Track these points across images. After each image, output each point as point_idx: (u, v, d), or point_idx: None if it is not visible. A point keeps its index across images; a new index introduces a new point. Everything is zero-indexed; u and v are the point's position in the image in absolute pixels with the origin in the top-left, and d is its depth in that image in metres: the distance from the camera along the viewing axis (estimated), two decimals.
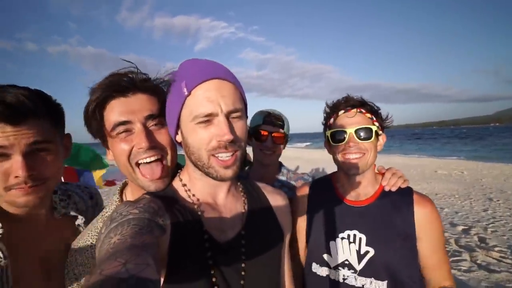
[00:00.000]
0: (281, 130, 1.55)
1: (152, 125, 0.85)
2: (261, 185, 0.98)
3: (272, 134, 1.54)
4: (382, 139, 1.21)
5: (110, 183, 4.99)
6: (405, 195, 1.16)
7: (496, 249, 4.56)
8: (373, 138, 1.14)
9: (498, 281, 3.66)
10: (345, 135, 1.15)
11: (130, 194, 0.96)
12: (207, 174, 0.76)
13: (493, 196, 8.38)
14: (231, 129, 0.71)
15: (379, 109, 1.21)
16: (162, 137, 0.85)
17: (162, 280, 0.72)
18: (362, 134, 1.13)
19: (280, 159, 1.69)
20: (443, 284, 1.10)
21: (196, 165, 0.77)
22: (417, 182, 10.75)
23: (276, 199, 0.95)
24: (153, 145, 0.83)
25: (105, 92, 0.81)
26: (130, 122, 0.82)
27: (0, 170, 0.76)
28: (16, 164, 0.76)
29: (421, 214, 1.10)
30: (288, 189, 1.56)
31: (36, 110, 0.79)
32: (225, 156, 0.73)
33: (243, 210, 0.86)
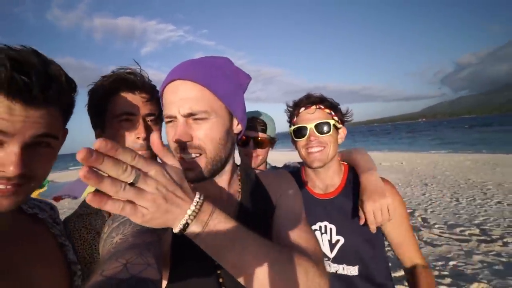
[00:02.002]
0: (262, 134, 1.55)
1: (149, 121, 0.99)
2: (259, 173, 0.96)
3: (254, 139, 1.54)
4: (343, 132, 1.27)
5: (58, 198, 4.43)
6: None
7: (436, 226, 5.26)
8: (331, 132, 1.20)
9: (441, 253, 4.21)
10: (306, 131, 1.22)
11: None
12: None
13: (427, 181, 9.63)
14: (185, 132, 0.70)
15: (339, 105, 1.28)
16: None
17: (166, 279, 0.69)
18: (321, 128, 1.20)
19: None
20: (415, 261, 1.23)
21: None
22: None
23: (270, 178, 0.93)
24: (148, 138, 0.94)
25: (115, 83, 0.95)
26: (134, 114, 0.96)
27: None
28: (10, 158, 0.60)
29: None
30: None
31: (61, 97, 0.66)
32: (186, 157, 0.73)
33: (238, 199, 0.85)
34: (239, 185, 0.88)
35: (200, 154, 0.73)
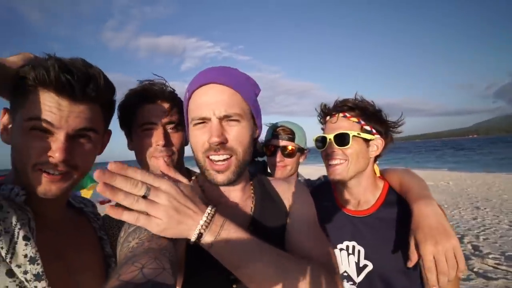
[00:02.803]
0: (289, 143, 1.52)
1: (169, 128, 1.08)
2: (271, 179, 0.96)
3: (281, 148, 1.52)
4: (377, 143, 1.10)
5: (103, 202, 4.75)
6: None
7: (491, 256, 4.63)
8: (351, 144, 1.07)
9: None
10: (325, 142, 1.13)
11: None
12: (205, 176, 0.79)
13: (480, 204, 8.61)
14: (221, 133, 0.72)
15: (379, 112, 1.12)
16: (174, 140, 1.08)
17: (179, 285, 0.70)
18: (339, 140, 1.09)
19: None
20: None
21: (198, 168, 0.81)
22: None
23: (283, 187, 0.92)
24: (168, 144, 1.05)
25: (138, 97, 1.06)
26: (154, 123, 1.05)
27: (38, 145, 0.70)
28: (57, 146, 0.70)
29: None
30: None
31: (100, 94, 0.77)
32: (217, 158, 0.74)
33: (251, 207, 0.85)
34: (251, 192, 0.89)
35: (231, 156, 0.75)
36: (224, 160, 0.74)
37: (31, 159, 0.71)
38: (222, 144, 0.73)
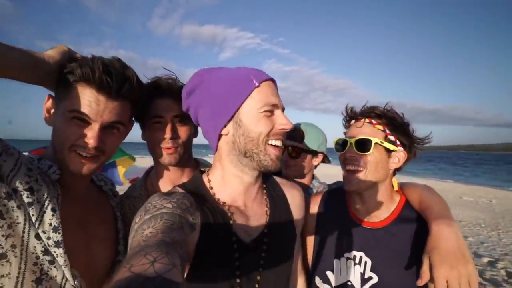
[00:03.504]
0: (294, 144, 1.50)
1: (177, 122, 1.14)
2: (279, 180, 1.01)
3: (288, 148, 1.50)
4: (399, 156, 1.05)
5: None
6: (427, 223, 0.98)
7: None
8: (371, 151, 1.03)
9: None
10: (346, 145, 1.09)
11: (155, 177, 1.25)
12: (259, 161, 0.81)
13: None
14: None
15: (407, 125, 1.08)
16: (182, 133, 1.15)
17: (187, 277, 0.74)
18: (360, 145, 1.04)
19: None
20: None
21: (247, 154, 0.81)
22: None
23: (293, 195, 0.99)
24: (175, 136, 1.13)
25: (148, 91, 1.10)
26: (162, 116, 1.12)
27: (77, 132, 0.84)
28: (92, 134, 0.84)
29: None
30: None
31: (131, 93, 0.90)
32: (278, 143, 0.83)
33: (266, 209, 0.89)
34: (265, 194, 0.94)
35: (282, 145, 0.86)
36: (280, 146, 0.85)
37: (69, 141, 0.84)
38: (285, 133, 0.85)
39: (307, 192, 1.48)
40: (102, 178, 1.15)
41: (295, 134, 1.50)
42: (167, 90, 1.13)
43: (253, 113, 0.81)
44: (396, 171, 1.12)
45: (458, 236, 0.88)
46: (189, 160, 1.25)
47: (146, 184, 1.24)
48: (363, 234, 1.10)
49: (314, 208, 1.23)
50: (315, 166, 1.62)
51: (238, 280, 0.75)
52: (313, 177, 1.64)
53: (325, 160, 1.63)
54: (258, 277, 0.79)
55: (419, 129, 1.10)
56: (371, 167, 1.04)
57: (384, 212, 1.09)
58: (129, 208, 1.15)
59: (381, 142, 1.04)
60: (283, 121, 0.82)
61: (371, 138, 1.04)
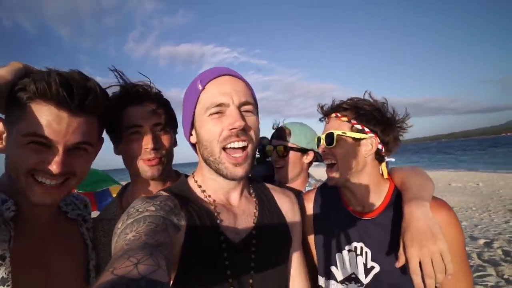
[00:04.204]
0: (281, 142, 1.50)
1: (158, 130, 1.04)
2: (270, 186, 0.99)
3: (276, 147, 1.51)
4: (372, 143, 1.03)
5: None
6: None
7: None
8: (335, 144, 1.04)
9: None
10: (320, 142, 1.12)
11: (132, 193, 1.13)
12: (217, 171, 0.77)
13: None
14: (242, 118, 0.74)
15: (375, 110, 1.05)
16: (164, 142, 1.05)
17: (173, 279, 0.71)
18: (327, 140, 1.07)
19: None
20: None
21: (208, 163, 0.78)
22: None
23: (284, 201, 0.95)
24: (158, 146, 1.02)
25: (121, 99, 1.01)
26: (142, 126, 1.01)
27: (36, 158, 0.72)
28: (55, 159, 0.73)
29: (442, 225, 0.93)
30: None
31: (97, 106, 0.79)
32: (237, 145, 0.74)
33: (255, 211, 0.86)
34: (253, 196, 0.91)
35: (247, 145, 0.76)
36: (242, 148, 0.75)
37: (27, 170, 0.72)
38: (243, 130, 0.74)
39: (299, 196, 1.50)
40: (71, 201, 0.99)
41: (281, 133, 1.51)
42: (145, 96, 1.03)
43: (201, 118, 0.77)
44: (381, 158, 1.10)
45: (427, 215, 0.89)
46: (170, 172, 1.14)
47: (121, 203, 1.12)
48: (359, 224, 1.10)
49: (309, 206, 1.22)
50: (309, 165, 1.61)
51: (230, 280, 0.73)
52: (308, 175, 1.63)
53: (318, 158, 1.61)
54: (251, 280, 0.77)
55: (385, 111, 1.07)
56: (341, 159, 1.06)
57: (376, 200, 1.09)
58: (103, 231, 1.03)
59: (343, 133, 1.05)
60: (231, 120, 0.72)
61: (334, 131, 1.06)
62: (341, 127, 1.07)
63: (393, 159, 1.15)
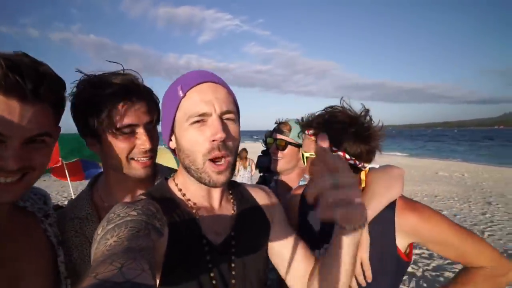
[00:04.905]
0: (281, 136, 1.61)
1: (150, 129, 0.97)
2: (246, 185, 1.00)
3: (275, 140, 1.63)
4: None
5: None
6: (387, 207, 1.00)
7: None
8: (306, 163, 1.13)
9: None
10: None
11: (106, 186, 1.05)
12: (199, 179, 0.76)
13: (492, 200, 8.40)
14: (224, 128, 0.73)
15: (340, 126, 1.01)
16: (154, 140, 0.98)
17: (157, 284, 0.71)
18: (302, 157, 1.17)
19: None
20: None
21: (188, 170, 0.78)
22: (417, 183, 10.74)
23: (260, 195, 0.97)
24: (151, 147, 0.96)
25: (112, 94, 0.89)
26: (136, 125, 0.93)
27: None
28: (9, 154, 0.65)
29: (406, 226, 0.98)
30: None
31: (52, 93, 0.71)
32: (218, 155, 0.73)
33: (233, 212, 0.87)
34: (230, 196, 0.91)
35: (228, 155, 0.75)
36: (223, 158, 0.75)
37: None
38: (222, 141, 0.73)
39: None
40: (29, 197, 0.90)
41: (282, 128, 1.62)
42: (137, 91, 0.93)
43: (182, 126, 0.75)
44: (357, 169, 1.06)
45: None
46: (155, 168, 1.08)
47: (92, 198, 1.02)
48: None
49: (296, 201, 1.24)
50: None
51: (214, 282, 0.75)
52: (304, 171, 1.70)
53: None
54: (233, 281, 0.79)
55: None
56: (314, 175, 1.07)
57: None
58: (75, 231, 0.95)
59: (311, 154, 1.10)
60: (213, 130, 0.71)
61: (303, 153, 1.13)
62: (310, 147, 1.10)
63: (376, 166, 1.15)
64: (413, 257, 4.62)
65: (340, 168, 0.55)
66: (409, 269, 4.26)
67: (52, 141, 0.77)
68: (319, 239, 1.12)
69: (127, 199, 1.00)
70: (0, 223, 0.77)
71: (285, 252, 0.90)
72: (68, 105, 0.85)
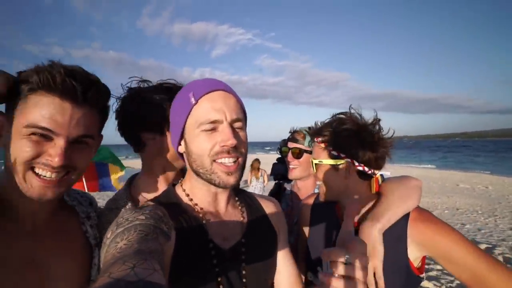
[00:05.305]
0: (296, 145, 1.64)
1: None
2: (255, 195, 1.02)
3: (291, 149, 1.66)
4: (348, 167, 1.03)
5: None
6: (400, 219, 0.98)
7: None
8: (317, 171, 1.10)
9: None
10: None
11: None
12: (209, 180, 0.78)
13: None
14: (235, 135, 0.76)
15: (351, 136, 1.03)
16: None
17: None
18: (312, 165, 1.17)
19: None
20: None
21: (197, 173, 0.80)
22: (437, 195, 10.27)
23: (269, 206, 0.99)
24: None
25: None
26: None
27: (37, 150, 0.70)
28: (56, 151, 0.71)
29: (418, 237, 0.94)
30: None
31: (100, 98, 0.80)
32: (228, 161, 0.76)
33: (242, 219, 0.89)
34: (238, 204, 0.93)
35: (238, 158, 0.79)
36: (233, 162, 0.77)
37: (26, 161, 0.71)
38: (234, 147, 0.76)
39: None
40: (76, 197, 0.96)
41: (296, 137, 1.65)
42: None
43: (193, 132, 0.78)
44: (367, 176, 1.05)
45: (373, 235, 0.94)
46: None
47: (131, 192, 1.09)
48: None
49: (307, 210, 1.27)
50: None
51: (220, 287, 0.74)
52: None
53: None
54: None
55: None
56: (323, 182, 1.10)
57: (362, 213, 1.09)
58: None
59: (320, 161, 1.09)
60: (224, 137, 0.75)
61: (313, 160, 1.12)
62: (319, 154, 1.09)
63: (388, 173, 1.15)
64: (436, 273, 4.35)
65: (358, 250, 0.60)
66: (431, 286, 3.98)
67: (94, 144, 0.83)
68: (325, 247, 1.12)
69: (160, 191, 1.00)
70: (42, 218, 0.82)
71: (279, 266, 0.93)
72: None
